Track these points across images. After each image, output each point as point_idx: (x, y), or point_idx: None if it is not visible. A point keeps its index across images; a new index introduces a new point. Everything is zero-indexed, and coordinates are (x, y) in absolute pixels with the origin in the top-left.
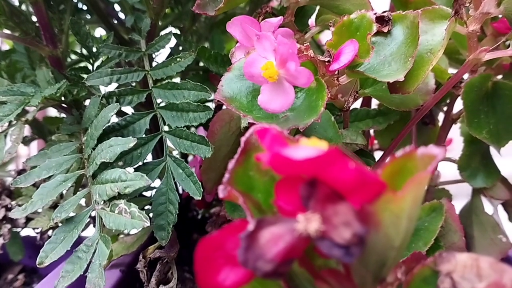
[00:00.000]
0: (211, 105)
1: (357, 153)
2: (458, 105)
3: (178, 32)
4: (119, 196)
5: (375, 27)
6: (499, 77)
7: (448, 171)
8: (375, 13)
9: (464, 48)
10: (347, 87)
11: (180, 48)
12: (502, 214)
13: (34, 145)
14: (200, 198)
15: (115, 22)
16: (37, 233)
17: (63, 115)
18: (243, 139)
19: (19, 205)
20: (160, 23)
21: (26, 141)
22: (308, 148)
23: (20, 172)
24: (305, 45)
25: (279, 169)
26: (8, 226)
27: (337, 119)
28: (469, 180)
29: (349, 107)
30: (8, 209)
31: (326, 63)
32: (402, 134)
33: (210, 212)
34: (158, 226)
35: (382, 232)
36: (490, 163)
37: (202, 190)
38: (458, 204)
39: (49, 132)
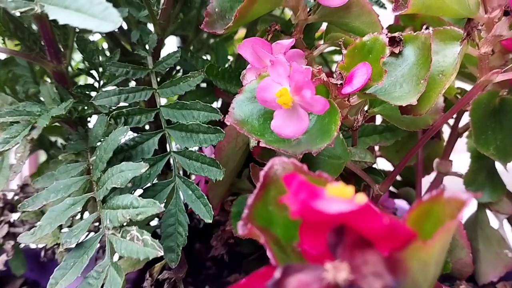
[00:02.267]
0: None
1: (365, 171)
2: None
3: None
4: (131, 221)
5: (388, 50)
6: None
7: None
8: (387, 36)
9: (470, 63)
10: (356, 105)
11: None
12: (508, 229)
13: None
14: (210, 221)
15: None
16: (40, 248)
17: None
18: (262, 173)
19: (23, 222)
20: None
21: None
22: (341, 202)
23: (23, 187)
24: (317, 68)
25: (308, 219)
26: (12, 242)
27: (344, 134)
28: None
29: (359, 126)
30: (11, 224)
31: (339, 86)
32: (411, 153)
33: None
34: (168, 248)
35: (410, 279)
36: (496, 178)
37: (212, 213)
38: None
39: (50, 143)
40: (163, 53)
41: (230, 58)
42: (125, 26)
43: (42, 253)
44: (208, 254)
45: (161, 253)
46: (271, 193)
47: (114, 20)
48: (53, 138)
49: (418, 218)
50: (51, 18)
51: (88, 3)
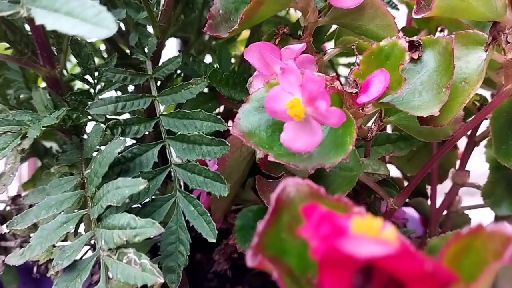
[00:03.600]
0: None
1: (379, 183)
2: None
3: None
4: (127, 242)
5: (408, 57)
6: None
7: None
8: (407, 40)
9: (490, 68)
10: (370, 114)
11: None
12: None
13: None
14: (214, 241)
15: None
16: (34, 262)
17: None
18: (273, 196)
19: (14, 235)
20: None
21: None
22: (372, 243)
23: (14, 199)
24: (330, 75)
25: (332, 259)
26: (3, 257)
27: (356, 144)
28: (494, 208)
29: (373, 136)
30: (2, 237)
31: (353, 95)
32: (427, 166)
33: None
34: (168, 268)
35: None
36: None
37: (216, 232)
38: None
39: (44, 150)
40: (164, 55)
41: (233, 60)
42: (123, 27)
43: (35, 269)
44: (210, 265)
45: (161, 279)
46: (283, 218)
47: (108, 25)
48: (48, 144)
49: (456, 255)
50: (38, 22)
51: (80, 6)
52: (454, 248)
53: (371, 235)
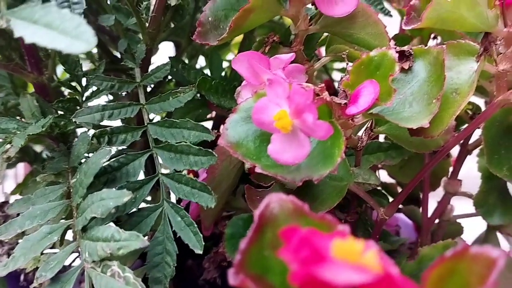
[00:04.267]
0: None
1: (369, 193)
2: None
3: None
4: (111, 255)
5: (398, 67)
6: None
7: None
8: (396, 51)
9: (482, 77)
10: (360, 124)
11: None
12: None
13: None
14: (201, 252)
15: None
16: (20, 270)
17: None
18: (256, 213)
19: (1, 242)
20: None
21: (9, 164)
22: (351, 270)
23: (2, 205)
24: (319, 85)
25: (311, 285)
26: None
27: (346, 152)
28: (486, 217)
29: (363, 146)
30: None
31: (343, 106)
32: (418, 176)
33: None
34: (154, 279)
35: None
36: (508, 199)
37: (203, 243)
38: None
39: (34, 155)
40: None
41: (227, 64)
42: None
43: (22, 277)
44: (201, 271)
45: None
46: (267, 235)
47: (88, 39)
48: (40, 148)
49: (439, 279)
50: (17, 35)
51: (60, 18)
52: (438, 271)
53: (351, 260)
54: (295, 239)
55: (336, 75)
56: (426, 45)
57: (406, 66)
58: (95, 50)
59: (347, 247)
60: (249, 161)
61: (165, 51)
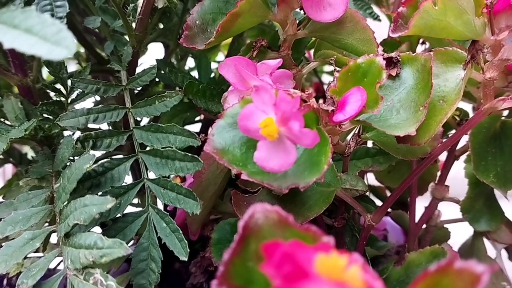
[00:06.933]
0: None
1: (357, 199)
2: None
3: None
4: (94, 263)
5: (385, 75)
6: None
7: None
8: (384, 57)
9: (470, 84)
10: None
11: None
12: (506, 259)
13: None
14: (186, 259)
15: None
16: (3, 276)
17: None
18: (240, 224)
19: None
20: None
21: None
22: (333, 286)
23: None
24: (307, 93)
25: None
26: None
27: (334, 158)
28: (472, 223)
29: (351, 152)
30: None
31: (330, 112)
32: (406, 182)
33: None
34: (139, 285)
35: None
36: (494, 205)
37: (188, 250)
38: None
39: (20, 156)
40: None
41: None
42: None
43: (5, 281)
44: (188, 274)
45: None
46: (251, 246)
47: (68, 45)
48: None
49: None
50: None
51: (40, 23)
52: (421, 286)
53: (334, 276)
54: (277, 254)
55: (326, 78)
56: (415, 51)
57: (393, 72)
58: (82, 50)
59: (330, 262)
60: (235, 168)
61: (155, 51)
